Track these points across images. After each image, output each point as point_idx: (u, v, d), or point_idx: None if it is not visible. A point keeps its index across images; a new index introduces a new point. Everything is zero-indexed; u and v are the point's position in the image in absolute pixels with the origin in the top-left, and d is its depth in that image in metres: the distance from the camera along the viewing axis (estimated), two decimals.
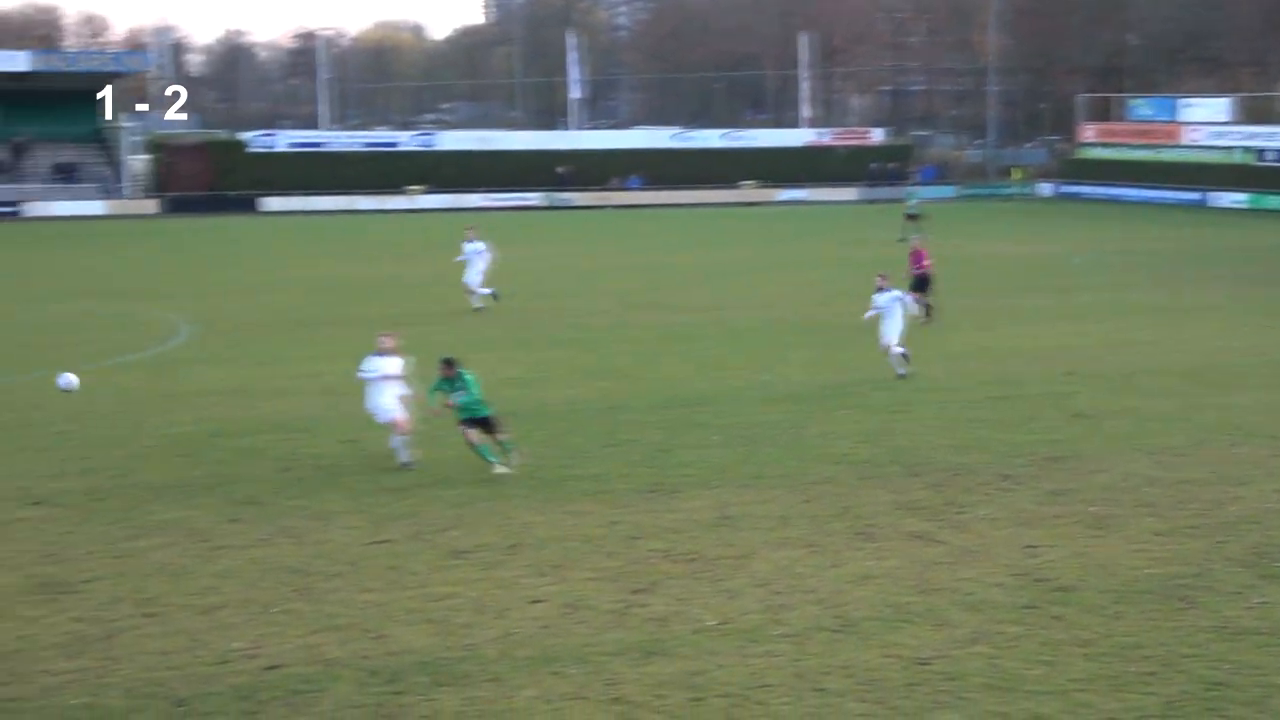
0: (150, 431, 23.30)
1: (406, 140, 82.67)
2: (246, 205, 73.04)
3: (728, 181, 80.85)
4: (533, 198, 77.03)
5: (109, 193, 71.70)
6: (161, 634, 12.94)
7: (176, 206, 71.54)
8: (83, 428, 23.45)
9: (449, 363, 19.21)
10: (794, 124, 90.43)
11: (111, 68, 77.98)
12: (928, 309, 33.08)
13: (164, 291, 44.50)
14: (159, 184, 74.21)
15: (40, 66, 71.63)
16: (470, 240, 37.73)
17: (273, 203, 72.98)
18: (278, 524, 17.16)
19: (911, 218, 57.11)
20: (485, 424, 19.04)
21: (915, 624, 13.18)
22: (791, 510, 17.97)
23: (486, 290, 37.12)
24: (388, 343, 20.05)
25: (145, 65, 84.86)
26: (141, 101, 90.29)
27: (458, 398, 18.87)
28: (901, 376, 26.39)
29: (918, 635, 12.84)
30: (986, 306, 39.66)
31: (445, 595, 14.20)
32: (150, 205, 71.47)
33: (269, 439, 22.75)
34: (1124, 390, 26.68)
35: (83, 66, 76.01)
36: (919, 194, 59.93)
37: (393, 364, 19.85)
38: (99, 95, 74.35)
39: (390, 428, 19.52)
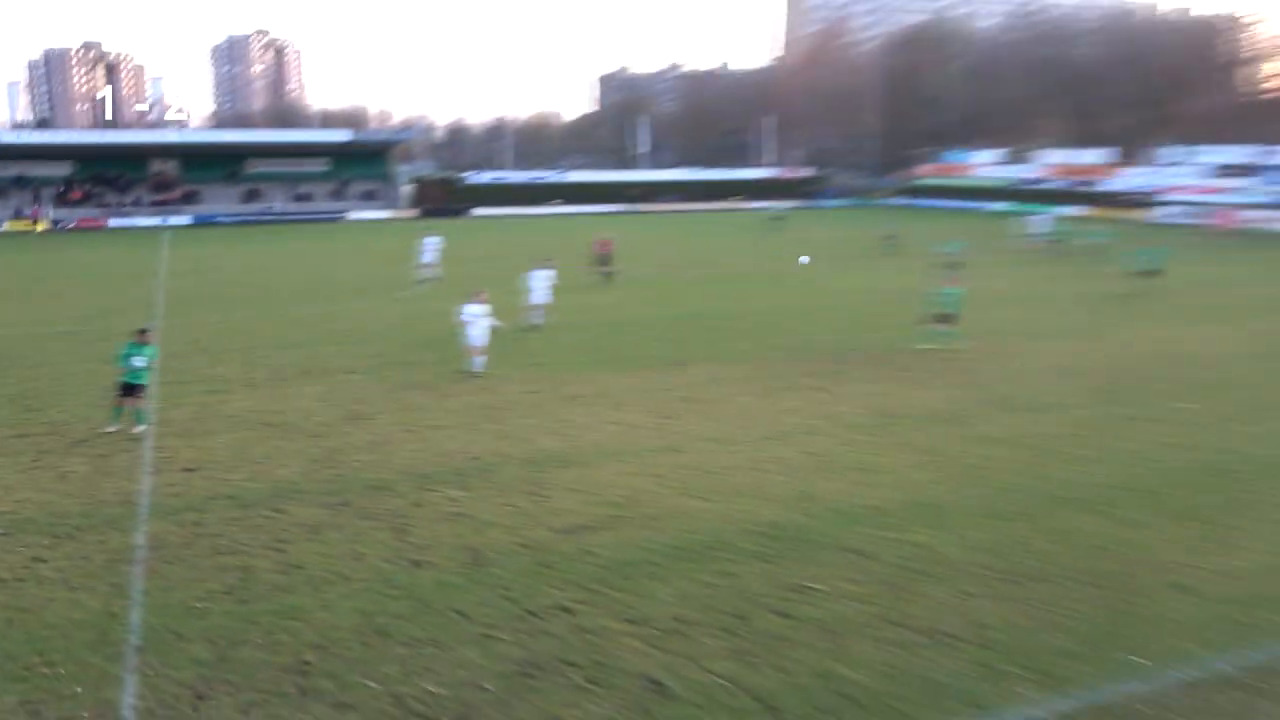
0: (410, 334, 27.76)
1: (551, 176, 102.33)
2: (465, 212, 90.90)
3: (725, 197, 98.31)
4: (619, 206, 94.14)
5: (392, 206, 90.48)
6: (415, 442, 16.64)
7: (427, 213, 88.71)
8: (371, 331, 28.23)
9: (143, 332, 18.00)
10: (762, 165, 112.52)
11: (393, 138, 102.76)
12: (609, 275, 37.76)
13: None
14: (418, 200, 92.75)
15: (356, 138, 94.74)
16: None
17: (479, 210, 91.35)
18: (478, 383, 21.33)
19: (776, 219, 67.97)
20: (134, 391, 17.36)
21: (815, 435, 17.31)
22: (750, 375, 22.11)
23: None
24: (481, 295, 22.02)
25: (410, 137, 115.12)
26: (409, 156, 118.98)
27: (136, 362, 17.31)
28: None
29: (816, 441, 16.92)
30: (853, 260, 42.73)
31: (565, 420, 18.24)
32: (413, 212, 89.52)
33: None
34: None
35: (378, 138, 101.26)
36: (782, 206, 73.78)
37: (481, 309, 21.76)
38: (387, 153, 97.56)
39: (475, 350, 21.67)
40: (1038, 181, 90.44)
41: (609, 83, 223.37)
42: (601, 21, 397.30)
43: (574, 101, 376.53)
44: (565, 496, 14.30)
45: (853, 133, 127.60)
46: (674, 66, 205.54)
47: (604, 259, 39.02)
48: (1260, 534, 12.81)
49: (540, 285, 27.38)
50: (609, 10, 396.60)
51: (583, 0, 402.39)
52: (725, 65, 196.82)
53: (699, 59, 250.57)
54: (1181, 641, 10.03)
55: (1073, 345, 25.50)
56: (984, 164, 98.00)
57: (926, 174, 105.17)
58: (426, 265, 38.25)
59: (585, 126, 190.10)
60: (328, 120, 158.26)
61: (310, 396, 20.54)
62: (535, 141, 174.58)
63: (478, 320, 21.73)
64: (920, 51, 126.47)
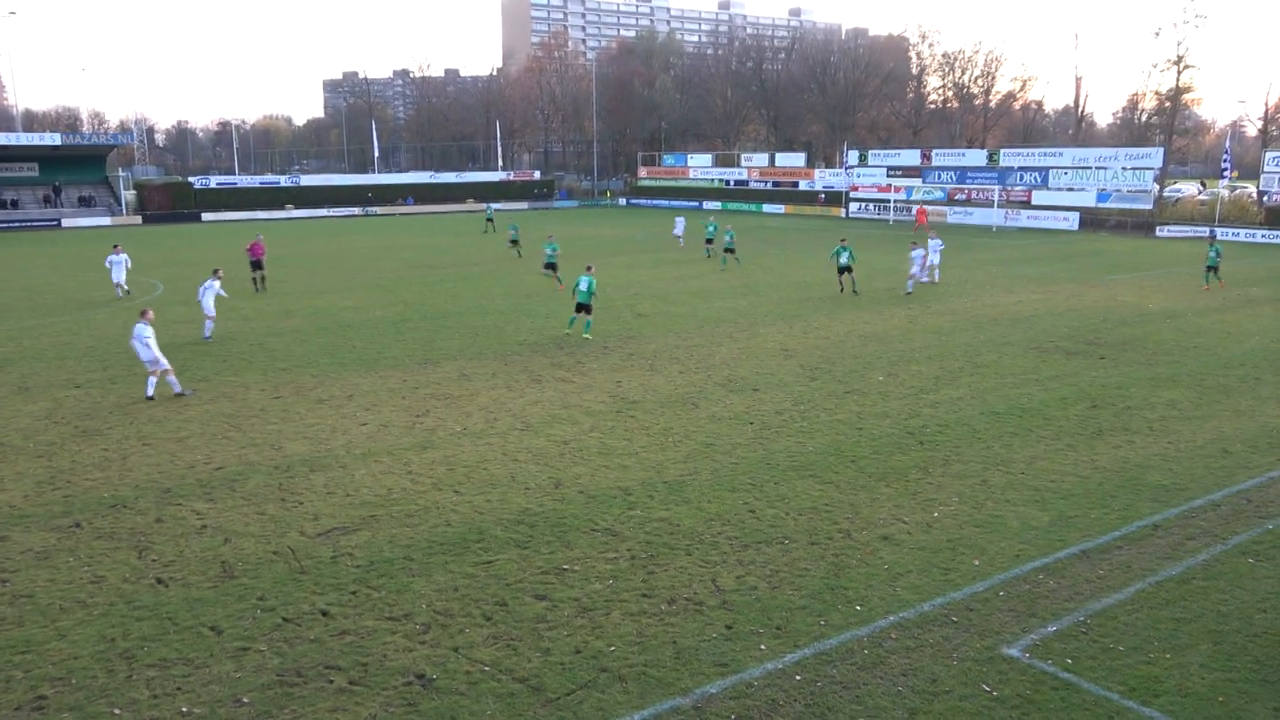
0: None
1: (283, 180, 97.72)
2: (194, 218, 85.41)
3: (459, 199, 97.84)
4: (355, 210, 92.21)
5: (113, 212, 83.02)
6: (154, 455, 15.53)
7: (152, 219, 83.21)
8: (100, 346, 25.78)
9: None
10: (493, 169, 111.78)
11: (110, 142, 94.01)
12: (261, 280, 35.55)
13: (148, 265, 46.83)
14: (141, 207, 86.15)
15: (67, 142, 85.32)
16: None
17: (208, 215, 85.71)
18: (219, 391, 20.06)
19: (489, 220, 67.17)
20: None
21: (562, 424, 17.36)
22: (497, 370, 22.06)
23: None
24: (149, 315, 19.48)
25: (130, 141, 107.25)
26: (129, 160, 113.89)
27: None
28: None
29: (563, 429, 17.01)
30: (592, 258, 44.94)
31: (314, 423, 17.44)
32: (137, 219, 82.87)
33: (210, 344, 25.41)
34: (662, 301, 31.93)
35: (92, 141, 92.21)
36: (492, 206, 72.90)
37: (149, 329, 19.20)
38: (105, 157, 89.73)
39: (159, 370, 19.37)
40: (745, 183, 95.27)
41: (337, 87, 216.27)
42: (328, 25, 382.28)
43: (304, 105, 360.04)
44: (318, 500, 13.63)
45: (576, 138, 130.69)
46: (404, 72, 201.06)
47: (257, 263, 36.08)
48: (950, 488, 14.01)
49: (207, 299, 25.24)
50: (334, 14, 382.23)
51: (307, 4, 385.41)
52: (456, 72, 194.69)
53: (428, 65, 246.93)
54: (892, 588, 10.79)
55: (785, 330, 26.93)
56: (698, 167, 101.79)
57: (647, 176, 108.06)
58: (117, 285, 34.61)
59: (317, 130, 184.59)
60: (33, 122, 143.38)
61: (31, 415, 18.54)
62: (265, 145, 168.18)
63: (144, 338, 19.05)
64: (633, 63, 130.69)
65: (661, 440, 16.28)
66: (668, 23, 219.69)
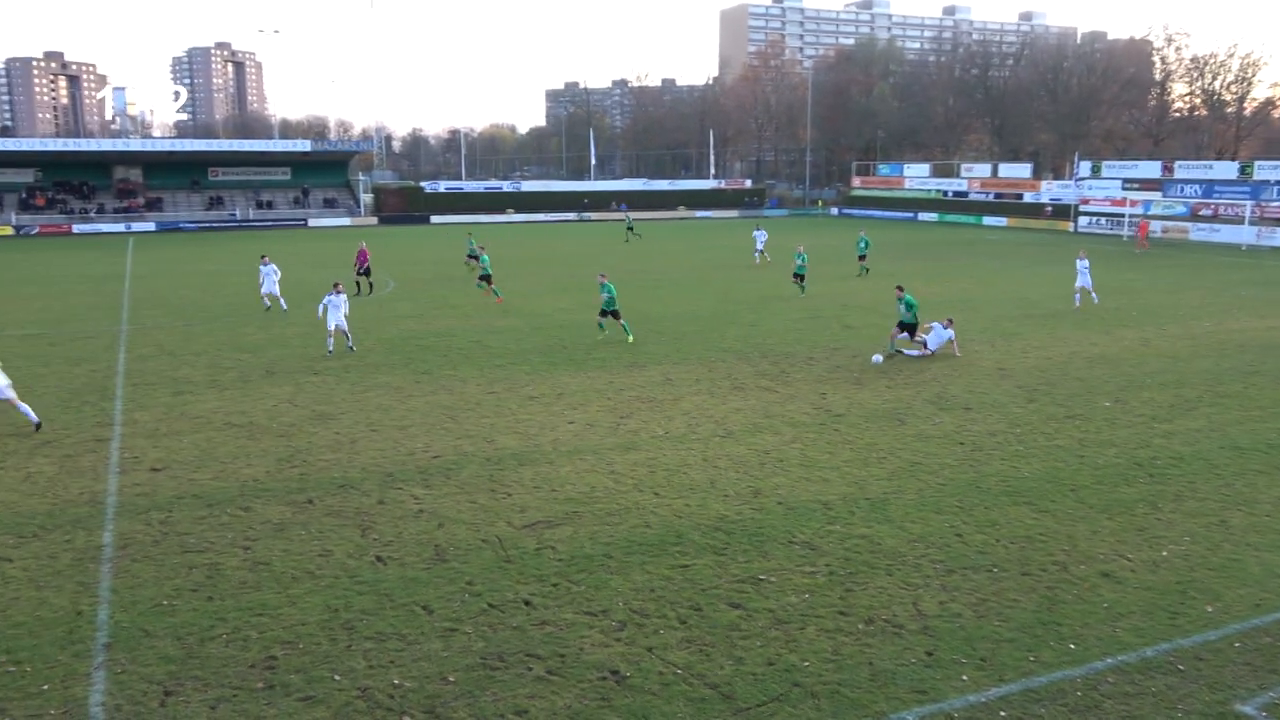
0: (374, 336, 27.54)
1: (506, 186, 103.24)
2: (424, 220, 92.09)
3: (671, 206, 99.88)
4: (570, 215, 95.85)
5: (352, 214, 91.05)
6: (379, 441, 16.59)
7: (386, 220, 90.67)
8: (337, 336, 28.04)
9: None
10: (705, 177, 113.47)
11: (352, 148, 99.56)
12: (371, 287, 37.06)
13: (382, 262, 49.73)
14: (378, 208, 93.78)
15: (315, 148, 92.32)
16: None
17: (436, 218, 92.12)
18: (439, 384, 21.24)
19: (630, 229, 67.96)
20: None
21: (764, 433, 17.31)
22: (701, 376, 22.17)
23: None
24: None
25: (370, 147, 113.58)
26: (368, 165, 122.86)
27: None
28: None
29: (765, 438, 16.95)
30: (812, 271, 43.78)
31: (525, 419, 18.13)
32: (373, 220, 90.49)
33: (433, 339, 27.06)
34: (872, 313, 30.95)
35: (338, 148, 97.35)
36: (631, 215, 73.61)
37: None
38: (347, 162, 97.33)
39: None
40: (965, 194, 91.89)
41: (558, 97, 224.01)
42: (553, 37, 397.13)
43: (527, 114, 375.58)
44: (525, 493, 14.11)
45: (789, 147, 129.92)
46: (622, 82, 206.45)
47: (365, 270, 37.16)
48: (1181, 526, 12.98)
49: (334, 311, 24.51)
50: (560, 26, 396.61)
51: (535, 17, 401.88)
52: (672, 81, 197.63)
53: (646, 75, 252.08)
54: (1112, 628, 10.10)
55: (1002, 348, 25.75)
56: (915, 177, 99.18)
57: (861, 186, 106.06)
58: (265, 295, 32.79)
59: (538, 139, 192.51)
60: (288, 130, 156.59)
61: (276, 397, 20.16)
62: (491, 153, 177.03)
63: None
64: (852, 70, 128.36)
65: (865, 455, 15.91)
66: (888, 29, 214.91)
